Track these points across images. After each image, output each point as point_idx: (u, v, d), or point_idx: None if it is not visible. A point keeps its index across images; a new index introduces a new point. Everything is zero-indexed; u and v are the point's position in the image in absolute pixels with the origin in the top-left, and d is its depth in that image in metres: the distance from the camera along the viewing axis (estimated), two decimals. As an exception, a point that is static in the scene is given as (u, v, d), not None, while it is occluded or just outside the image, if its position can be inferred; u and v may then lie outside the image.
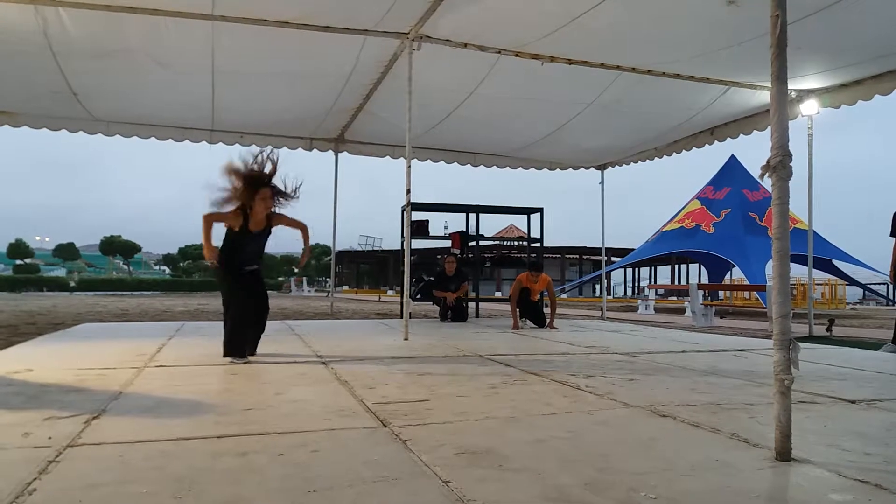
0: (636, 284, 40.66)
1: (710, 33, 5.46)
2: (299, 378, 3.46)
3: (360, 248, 47.26)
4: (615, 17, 5.11)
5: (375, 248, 46.47)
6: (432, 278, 9.14)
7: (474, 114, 7.79)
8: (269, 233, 4.35)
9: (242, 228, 4.15)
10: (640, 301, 18.70)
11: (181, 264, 54.40)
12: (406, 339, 5.65)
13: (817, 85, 6.67)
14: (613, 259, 30.68)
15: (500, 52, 6.01)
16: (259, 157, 4.16)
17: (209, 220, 4.09)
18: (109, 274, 51.05)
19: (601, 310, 11.86)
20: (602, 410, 2.67)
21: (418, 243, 11.60)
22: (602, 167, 10.66)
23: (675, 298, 24.59)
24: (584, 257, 40.36)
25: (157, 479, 1.68)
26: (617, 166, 10.57)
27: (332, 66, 6.45)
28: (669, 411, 2.65)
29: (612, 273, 31.37)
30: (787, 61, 2.02)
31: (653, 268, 37.34)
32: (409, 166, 5.91)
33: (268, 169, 4.19)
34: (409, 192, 5.91)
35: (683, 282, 33.89)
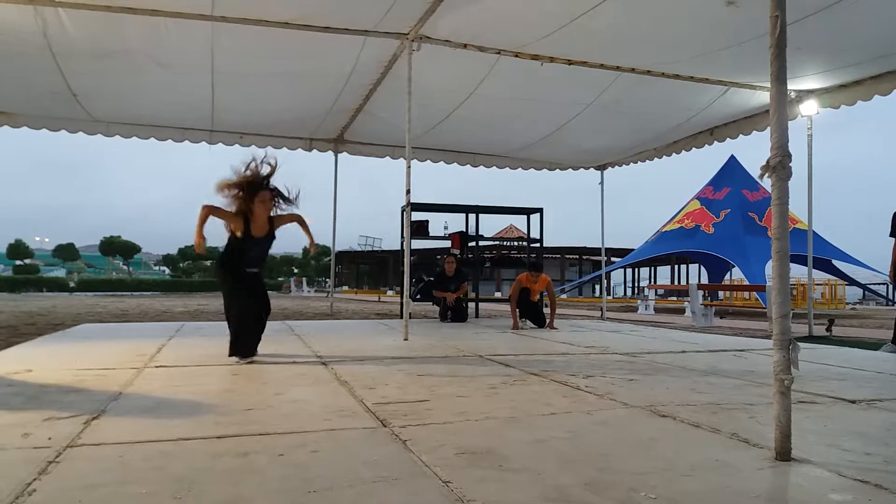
0: (636, 285, 40.66)
1: (709, 34, 5.46)
2: (299, 378, 3.46)
3: (359, 249, 47.27)
4: (615, 17, 5.11)
5: (375, 249, 46.48)
6: (432, 278, 9.14)
7: (474, 114, 7.79)
8: (273, 237, 4.35)
9: (245, 234, 4.14)
10: (639, 301, 18.70)
11: (181, 265, 54.42)
12: (406, 340, 5.65)
13: (817, 85, 6.67)
14: (613, 259, 30.70)
15: (499, 53, 6.01)
16: (252, 164, 4.15)
17: (208, 211, 4.07)
18: (109, 274, 51.03)
19: (601, 310, 11.86)
20: (602, 410, 2.67)
21: (418, 244, 11.60)
22: (602, 167, 10.66)
23: (674, 299, 24.60)
24: (584, 257, 40.38)
25: (156, 480, 1.68)
26: (617, 167, 10.57)
27: (332, 67, 6.45)
28: (669, 411, 2.65)
29: (611, 273, 31.37)
30: (786, 62, 2.02)
31: (652, 268, 37.36)
32: (409, 167, 5.91)
33: (264, 171, 4.19)
34: (408, 192, 5.91)
35: (683, 282, 33.91)
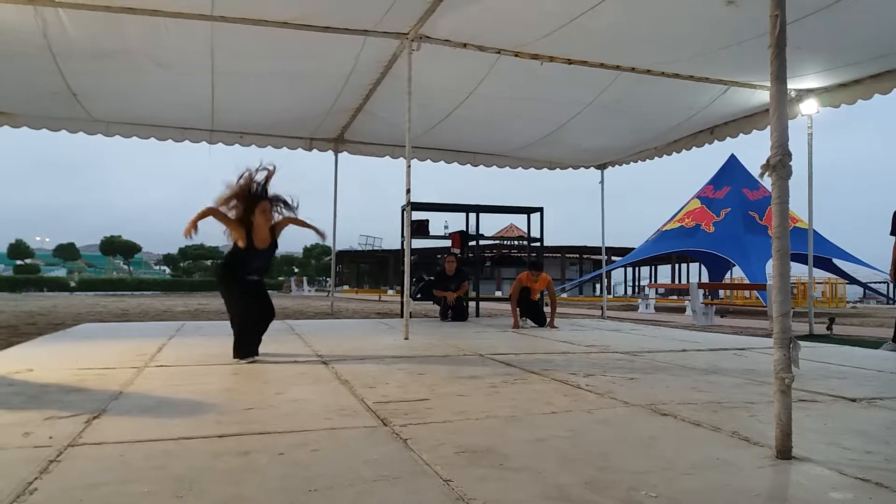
0: (636, 284, 40.65)
1: (709, 33, 5.46)
2: (300, 377, 3.46)
3: (360, 248, 47.28)
4: (615, 17, 5.11)
5: (375, 248, 46.48)
6: (432, 278, 9.15)
7: (474, 114, 7.79)
8: (276, 247, 4.36)
9: (248, 245, 4.13)
10: (640, 300, 18.69)
11: (181, 264, 54.38)
12: (406, 339, 5.65)
13: (817, 84, 6.67)
14: (614, 258, 30.68)
15: (499, 53, 6.01)
16: (245, 173, 4.13)
17: (208, 211, 4.05)
18: (110, 274, 51.04)
19: (601, 309, 11.87)
20: (602, 409, 2.67)
21: (418, 243, 11.62)
22: (602, 167, 10.66)
23: (675, 297, 24.60)
24: (585, 257, 40.35)
25: (157, 479, 1.68)
26: (617, 166, 10.57)
27: (332, 67, 6.45)
28: (670, 410, 2.65)
29: (612, 272, 31.39)
30: (786, 61, 2.02)
31: (653, 267, 37.31)
32: (409, 166, 5.91)
33: (259, 177, 4.17)
34: (408, 191, 5.91)
35: (684, 281, 33.87)
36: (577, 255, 40.08)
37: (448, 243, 10.03)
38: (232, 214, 4.13)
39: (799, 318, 8.85)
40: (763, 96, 6.93)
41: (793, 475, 1.80)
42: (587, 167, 10.85)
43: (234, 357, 4.07)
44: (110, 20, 5.27)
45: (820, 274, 20.47)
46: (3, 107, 7.75)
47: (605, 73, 6.47)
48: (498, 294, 22.67)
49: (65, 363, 3.89)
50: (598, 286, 33.64)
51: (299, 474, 1.73)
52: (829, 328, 8.10)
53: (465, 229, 9.80)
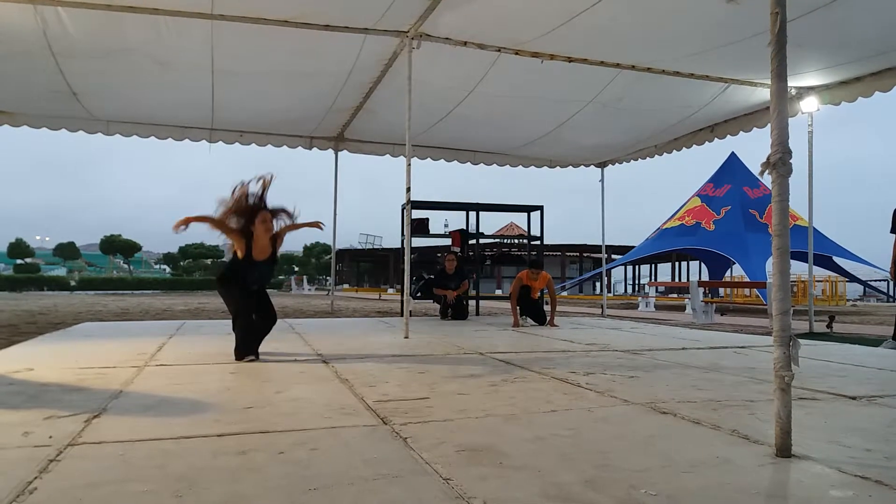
0: (636, 282, 40.65)
1: (709, 30, 5.45)
2: (299, 376, 3.46)
3: (360, 247, 47.27)
4: (615, 14, 5.10)
5: (376, 247, 46.48)
6: (433, 276, 9.15)
7: (474, 112, 7.79)
8: (276, 260, 4.35)
9: (246, 257, 4.12)
10: (640, 298, 18.69)
11: (181, 263, 54.35)
12: (406, 337, 5.65)
13: (817, 82, 6.66)
14: (614, 257, 30.68)
15: (499, 51, 6.01)
16: (238, 187, 4.11)
17: (207, 220, 4.06)
18: (110, 273, 51.02)
19: (601, 307, 11.87)
20: (602, 408, 2.67)
21: (418, 241, 11.60)
22: (602, 165, 10.66)
23: (675, 296, 24.59)
24: (585, 255, 40.35)
25: (157, 478, 1.68)
26: (617, 164, 10.57)
27: (332, 65, 6.45)
28: (670, 408, 2.65)
29: (612, 271, 31.35)
30: (786, 58, 2.01)
31: (653, 265, 37.31)
32: (409, 164, 5.91)
33: (254, 189, 4.14)
34: (409, 190, 5.91)
35: (684, 279, 33.87)
36: (577, 254, 40.08)
37: (448, 242, 10.03)
38: (232, 224, 4.12)
39: (799, 316, 8.85)
40: (763, 94, 6.92)
41: (792, 473, 1.80)
42: (587, 165, 10.84)
43: (236, 359, 4.06)
44: (110, 19, 5.26)
45: (820, 272, 20.46)
46: (3, 106, 7.75)
47: (606, 70, 6.46)
48: (498, 292, 22.69)
49: (65, 362, 3.89)
50: (598, 284, 33.64)
51: (299, 473, 1.73)
52: (829, 326, 8.10)
53: (465, 228, 9.80)
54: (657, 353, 4.78)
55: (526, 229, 10.09)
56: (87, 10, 5.10)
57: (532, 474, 1.74)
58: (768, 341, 5.50)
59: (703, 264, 24.37)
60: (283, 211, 4.30)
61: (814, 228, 8.53)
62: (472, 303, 9.81)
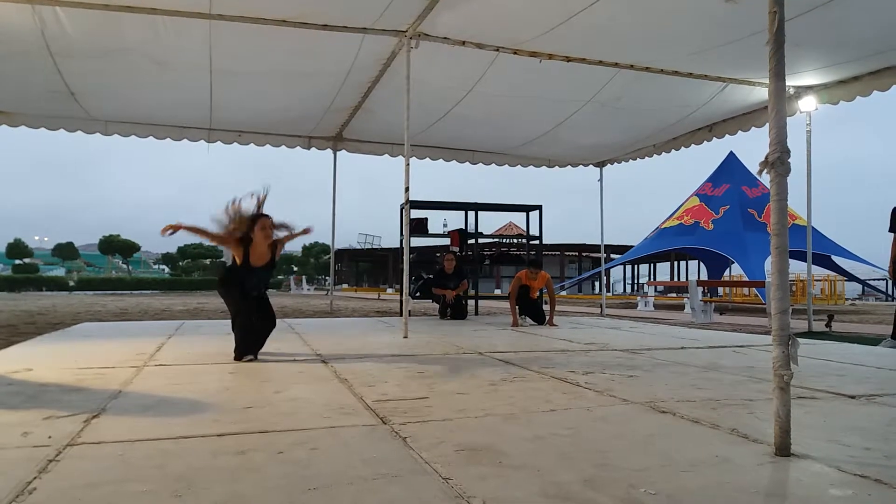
0: (635, 281, 40.68)
1: (708, 30, 5.45)
2: (299, 376, 3.46)
3: (359, 247, 47.23)
4: (613, 14, 5.10)
5: (374, 247, 46.45)
6: (432, 276, 9.15)
7: (473, 111, 7.79)
8: (274, 266, 4.37)
9: (244, 263, 4.15)
10: (639, 298, 18.70)
11: (180, 263, 54.29)
12: (406, 337, 5.65)
13: (815, 81, 6.67)
14: (613, 256, 30.72)
15: (498, 50, 6.00)
16: (230, 204, 4.13)
17: (201, 233, 4.09)
18: (108, 273, 50.95)
19: (600, 307, 11.87)
20: (601, 407, 2.67)
21: (417, 241, 11.61)
22: (601, 164, 10.66)
23: (674, 295, 24.60)
24: (584, 255, 40.38)
25: (157, 478, 1.68)
26: (615, 163, 10.57)
27: (331, 65, 6.44)
28: (669, 407, 2.65)
29: (611, 270, 31.40)
30: (785, 57, 2.02)
31: (652, 265, 37.35)
32: (408, 164, 5.91)
33: (248, 204, 4.17)
34: (407, 189, 5.90)
35: (683, 278, 33.89)
36: (576, 253, 40.10)
37: (447, 241, 10.03)
38: (228, 232, 4.14)
39: (798, 315, 8.86)
40: (762, 93, 6.92)
41: (792, 472, 1.81)
42: (586, 165, 10.85)
43: (235, 359, 4.06)
44: (108, 19, 5.26)
45: (819, 271, 20.47)
46: (1, 106, 7.73)
47: (604, 70, 6.46)
48: (497, 292, 22.68)
49: (64, 362, 3.88)
50: (597, 284, 33.66)
51: (298, 473, 1.73)
52: (828, 325, 8.11)
53: (464, 227, 9.80)
54: (656, 352, 4.78)
55: (525, 229, 10.10)
56: (84, 10, 5.10)
57: (531, 473, 1.74)
58: (767, 340, 5.51)
59: (701, 263, 24.42)
60: (283, 225, 4.35)
61: (812, 227, 8.54)
62: (471, 302, 9.81)
